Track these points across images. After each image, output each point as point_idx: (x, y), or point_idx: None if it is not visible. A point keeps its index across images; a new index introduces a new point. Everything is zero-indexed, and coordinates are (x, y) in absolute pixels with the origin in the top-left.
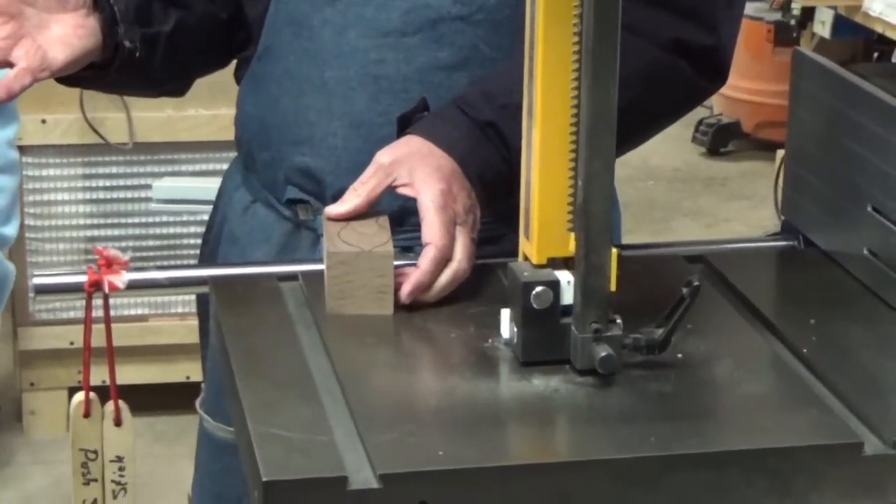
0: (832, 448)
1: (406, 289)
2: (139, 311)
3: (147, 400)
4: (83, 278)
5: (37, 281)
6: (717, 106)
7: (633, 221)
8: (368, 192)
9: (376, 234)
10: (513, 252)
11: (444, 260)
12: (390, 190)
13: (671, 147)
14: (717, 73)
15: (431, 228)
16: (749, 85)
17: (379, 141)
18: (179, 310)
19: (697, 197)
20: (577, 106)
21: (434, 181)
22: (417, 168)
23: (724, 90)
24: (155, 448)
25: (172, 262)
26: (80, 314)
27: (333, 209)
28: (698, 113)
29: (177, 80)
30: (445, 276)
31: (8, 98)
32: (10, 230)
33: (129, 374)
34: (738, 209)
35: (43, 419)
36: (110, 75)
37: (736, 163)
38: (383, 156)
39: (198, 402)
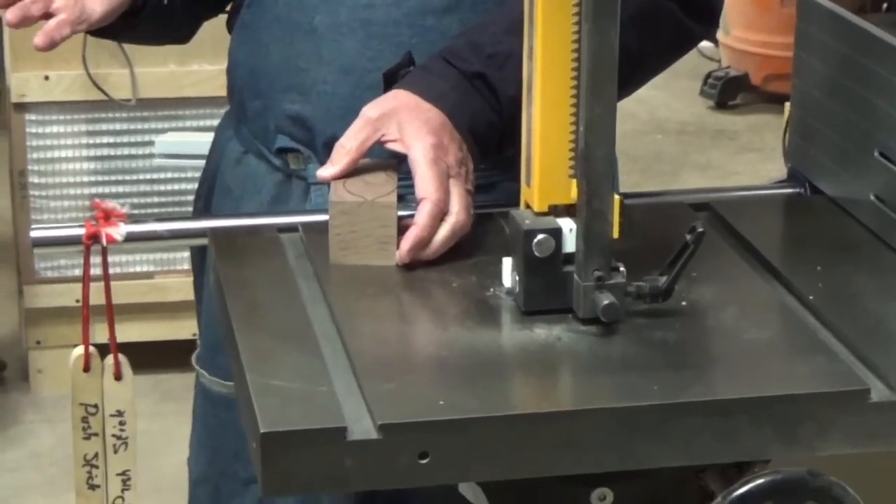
0: (838, 395)
1: (405, 246)
2: (145, 269)
3: (154, 357)
4: (81, 231)
5: (34, 234)
6: (725, 59)
7: (641, 175)
8: (357, 148)
9: (382, 184)
10: (507, 201)
11: (440, 214)
12: (379, 145)
13: (679, 100)
14: (707, 16)
15: (425, 183)
16: (757, 37)
17: (369, 87)
18: (186, 266)
19: (706, 150)
20: (578, 51)
21: (424, 135)
22: (406, 122)
23: (732, 43)
24: (162, 406)
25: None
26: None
27: (324, 172)
28: (706, 66)
29: (188, 25)
30: (444, 231)
31: (49, 46)
32: None
33: (136, 331)
34: (746, 162)
35: (49, 377)
36: (140, 25)
37: (744, 116)
38: (371, 110)
39: (194, 357)
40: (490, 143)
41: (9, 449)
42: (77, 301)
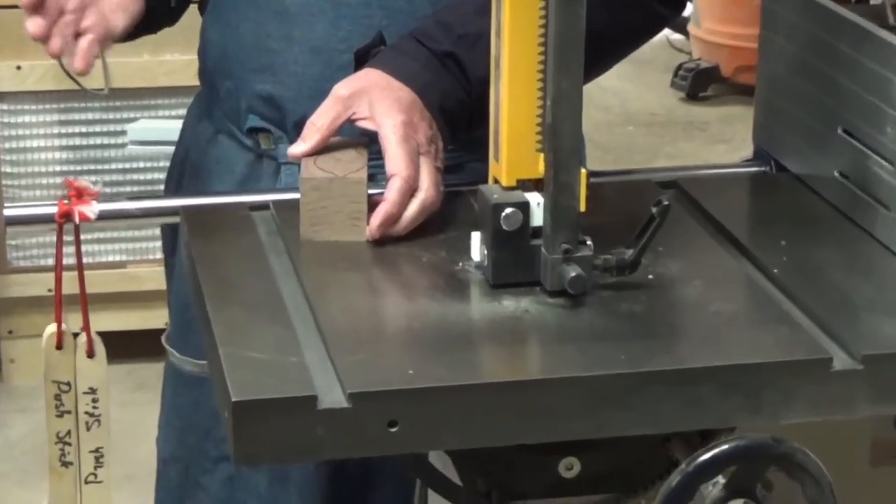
0: (802, 364)
1: (375, 222)
2: (117, 258)
3: (126, 346)
4: (54, 209)
5: (7, 212)
6: (696, 51)
7: (613, 166)
8: (328, 125)
9: (353, 161)
10: (475, 181)
11: (410, 190)
12: (349, 123)
13: (650, 92)
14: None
15: (395, 160)
16: (728, 29)
17: (339, 68)
18: (158, 256)
19: (677, 142)
20: (546, 26)
21: (394, 112)
22: (377, 100)
23: (702, 34)
24: (135, 395)
25: None
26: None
27: (295, 149)
28: (677, 58)
29: (180, 11)
30: (414, 207)
31: (90, 68)
32: None
33: (108, 320)
34: (717, 153)
35: (22, 367)
36: (153, 27)
37: (715, 107)
38: (342, 88)
39: (164, 337)
40: (460, 121)
41: None
42: (49, 290)
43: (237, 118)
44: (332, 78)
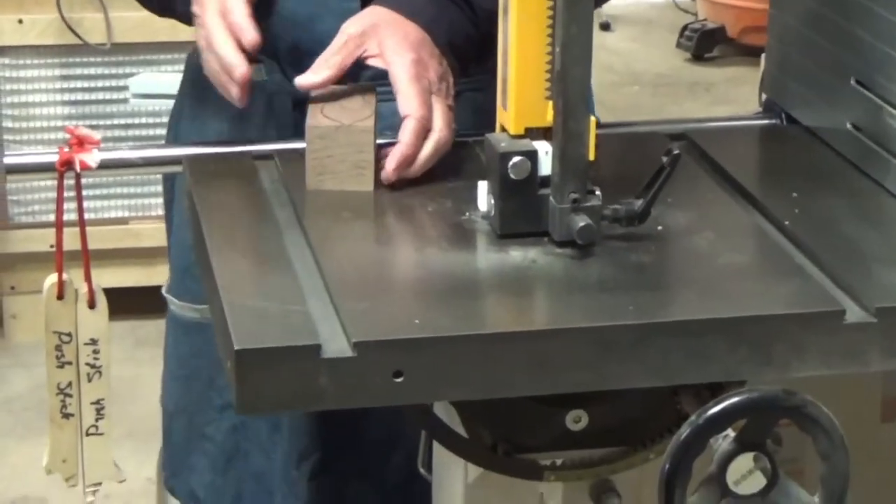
0: (814, 316)
1: (391, 164)
2: (119, 214)
3: (128, 303)
4: (55, 157)
5: (7, 160)
6: (702, 11)
7: None
8: (339, 63)
9: (360, 109)
10: (472, 112)
11: (424, 130)
12: (360, 61)
13: (656, 52)
14: None
15: (408, 100)
16: None
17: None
18: (160, 212)
19: (682, 102)
20: None
21: (404, 51)
22: (386, 38)
23: None
24: (136, 352)
25: None
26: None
27: (304, 79)
28: (683, 18)
29: None
30: (428, 148)
31: None
32: None
33: (110, 277)
34: (722, 114)
35: (23, 323)
36: None
37: (720, 68)
38: (351, 27)
39: (163, 288)
40: (469, 55)
41: None
42: (51, 246)
43: None
44: (325, 3)
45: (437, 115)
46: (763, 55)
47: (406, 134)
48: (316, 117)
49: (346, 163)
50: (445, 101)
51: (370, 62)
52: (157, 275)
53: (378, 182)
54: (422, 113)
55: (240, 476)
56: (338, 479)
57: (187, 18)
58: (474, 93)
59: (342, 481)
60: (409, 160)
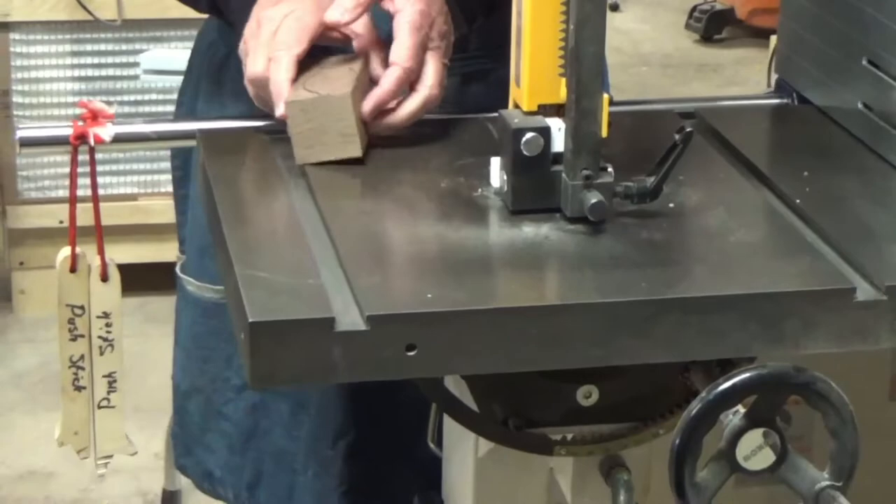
0: (824, 293)
1: (367, 106)
2: (129, 191)
3: (138, 279)
4: (68, 131)
5: (21, 134)
6: None
7: None
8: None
9: (341, 79)
10: (502, 92)
11: (407, 82)
12: (376, 3)
13: (664, 33)
14: None
15: (401, 49)
16: None
17: None
18: (169, 189)
19: (690, 83)
20: None
21: (414, 0)
22: None
23: None
24: (146, 327)
25: None
26: (69, 195)
27: (331, 14)
28: None
29: None
30: (416, 102)
31: None
32: None
33: (119, 253)
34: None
35: (33, 298)
36: None
37: (729, 50)
38: None
39: (178, 268)
40: (479, 6)
41: None
42: (61, 222)
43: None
44: None
45: (430, 72)
46: (772, 37)
47: (387, 80)
48: (296, 91)
49: (330, 133)
50: (442, 59)
51: (383, 4)
52: (166, 251)
53: (390, 157)
54: (409, 65)
55: (258, 455)
56: (373, 459)
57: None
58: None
59: (377, 460)
60: (383, 104)
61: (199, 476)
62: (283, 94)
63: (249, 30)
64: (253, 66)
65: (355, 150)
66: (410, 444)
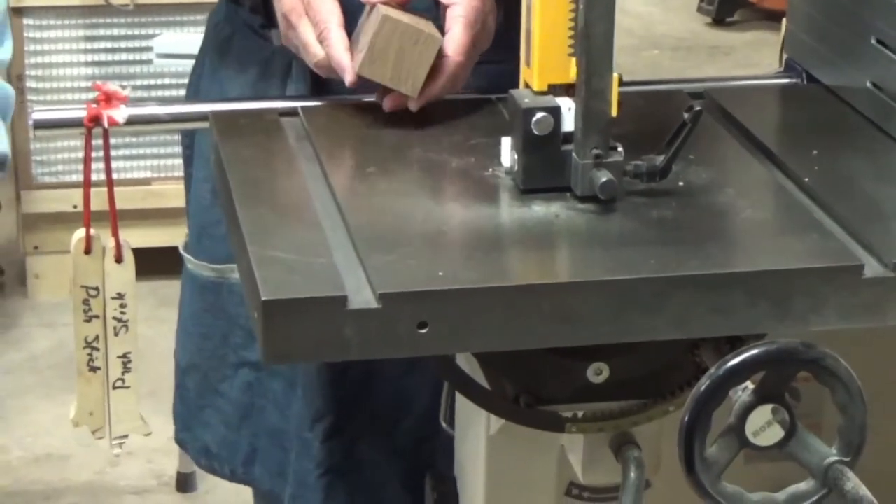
0: (833, 270)
1: (413, 104)
2: (142, 175)
3: (151, 263)
4: (82, 113)
5: (36, 116)
6: None
7: None
8: None
9: (428, 26)
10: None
11: (461, 80)
12: None
13: (676, 16)
14: None
15: (457, 43)
16: None
17: None
18: (182, 173)
19: (702, 66)
20: None
21: None
22: None
23: None
24: (159, 311)
25: None
26: (83, 178)
27: None
28: None
29: None
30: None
31: None
32: (5, 53)
33: (132, 237)
34: None
35: (47, 282)
36: None
37: (741, 33)
38: None
39: (181, 247)
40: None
41: (6, 352)
42: (74, 207)
43: (253, 14)
44: None
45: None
46: (784, 19)
47: (443, 76)
48: (391, 10)
49: (403, 64)
50: (476, 56)
51: None
52: (179, 235)
53: (402, 137)
54: (462, 59)
55: (254, 432)
56: (349, 442)
57: None
58: (494, 66)
59: (354, 444)
60: (439, 97)
61: (196, 452)
62: (346, 66)
63: (283, 28)
64: (313, 57)
65: (413, 90)
66: (388, 429)
